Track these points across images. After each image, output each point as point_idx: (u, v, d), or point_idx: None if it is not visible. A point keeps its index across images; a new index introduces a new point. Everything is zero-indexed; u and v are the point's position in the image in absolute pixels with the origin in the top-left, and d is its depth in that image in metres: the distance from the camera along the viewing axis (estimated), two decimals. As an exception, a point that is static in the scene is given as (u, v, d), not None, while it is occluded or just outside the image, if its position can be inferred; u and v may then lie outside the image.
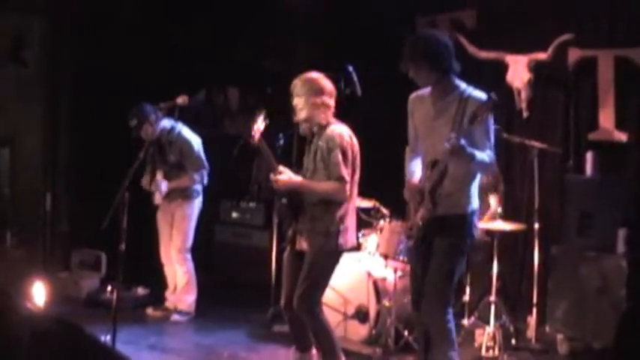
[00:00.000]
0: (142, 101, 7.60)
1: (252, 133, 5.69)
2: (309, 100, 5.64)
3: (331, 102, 5.72)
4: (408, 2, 8.33)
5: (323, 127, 5.69)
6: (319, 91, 5.65)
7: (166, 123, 7.68)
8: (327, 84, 5.72)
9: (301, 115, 5.71)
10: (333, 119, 5.74)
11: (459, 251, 5.17)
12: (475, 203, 5.22)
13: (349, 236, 5.74)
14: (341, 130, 5.66)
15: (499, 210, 6.93)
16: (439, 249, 5.12)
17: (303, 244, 5.73)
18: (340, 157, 5.55)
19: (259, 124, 5.71)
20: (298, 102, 5.70)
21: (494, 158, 5.07)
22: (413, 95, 5.37)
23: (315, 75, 5.75)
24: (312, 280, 5.63)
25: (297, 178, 5.72)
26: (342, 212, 5.65)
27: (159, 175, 7.63)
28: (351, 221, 5.76)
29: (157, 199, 7.76)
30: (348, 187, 5.59)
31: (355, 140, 5.72)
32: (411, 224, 5.27)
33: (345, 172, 5.56)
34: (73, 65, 9.17)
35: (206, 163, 7.74)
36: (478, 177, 5.26)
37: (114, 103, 8.21)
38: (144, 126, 7.51)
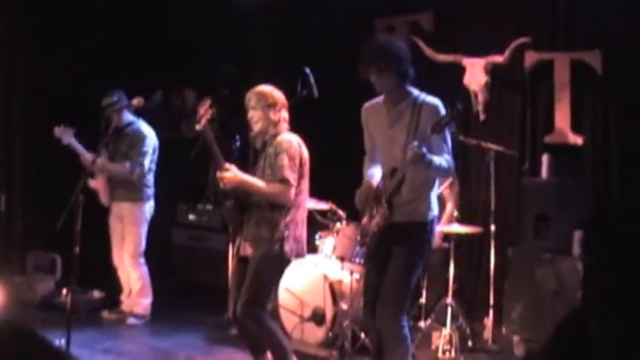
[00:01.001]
0: (98, 103, 7.54)
1: (198, 118, 5.68)
2: (266, 114, 5.65)
3: (286, 114, 5.76)
4: (366, 5, 8.32)
5: (274, 137, 5.68)
6: (274, 104, 5.68)
7: (130, 117, 7.73)
8: (279, 96, 5.75)
9: (257, 127, 5.71)
10: (285, 130, 5.74)
11: (418, 258, 5.16)
12: (435, 210, 5.24)
13: (296, 245, 5.66)
14: (290, 138, 5.67)
15: (455, 214, 6.98)
16: (398, 255, 5.11)
17: (247, 250, 5.70)
18: (286, 160, 5.53)
19: (205, 111, 5.70)
20: (254, 114, 5.70)
21: (452, 163, 5.08)
22: (366, 105, 5.38)
23: (267, 88, 5.76)
24: (256, 287, 5.56)
25: (243, 175, 5.65)
26: (289, 219, 5.60)
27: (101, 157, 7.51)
28: (298, 231, 5.68)
29: (103, 197, 7.71)
30: (292, 190, 5.55)
31: (305, 149, 5.70)
32: (365, 231, 5.27)
33: (291, 176, 5.52)
34: (28, 66, 9.06)
35: (146, 162, 7.65)
36: (437, 183, 5.27)
37: (69, 103, 8.13)
38: (116, 106, 7.49)
